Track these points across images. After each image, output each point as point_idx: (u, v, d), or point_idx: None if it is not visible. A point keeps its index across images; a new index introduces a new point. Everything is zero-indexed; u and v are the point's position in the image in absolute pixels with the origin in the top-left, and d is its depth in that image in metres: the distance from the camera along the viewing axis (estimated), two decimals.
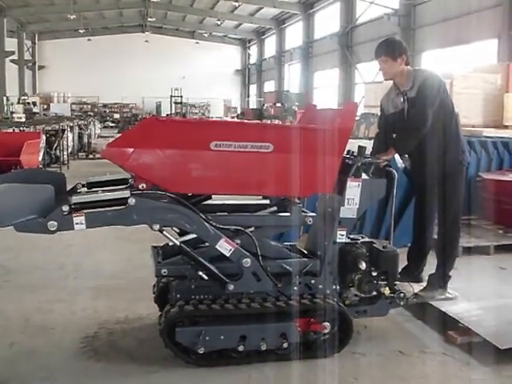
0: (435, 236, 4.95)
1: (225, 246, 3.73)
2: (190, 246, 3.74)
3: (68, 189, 3.89)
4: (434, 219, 4.92)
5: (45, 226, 3.41)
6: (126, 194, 3.57)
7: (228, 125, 3.85)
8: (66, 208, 3.46)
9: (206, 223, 3.68)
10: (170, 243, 3.82)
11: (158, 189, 3.64)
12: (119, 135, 3.72)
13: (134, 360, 3.89)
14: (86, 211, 3.51)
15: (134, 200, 3.53)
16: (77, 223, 3.47)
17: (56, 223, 3.42)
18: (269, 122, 24.40)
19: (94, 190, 3.88)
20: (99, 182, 4.00)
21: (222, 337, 3.73)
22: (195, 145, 3.63)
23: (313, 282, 4.04)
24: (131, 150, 3.54)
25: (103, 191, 3.73)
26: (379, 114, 5.12)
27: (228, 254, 3.74)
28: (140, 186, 3.66)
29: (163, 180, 3.65)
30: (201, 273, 3.75)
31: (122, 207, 3.55)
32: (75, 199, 3.54)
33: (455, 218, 4.78)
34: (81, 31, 40.70)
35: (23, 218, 3.39)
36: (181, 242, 3.70)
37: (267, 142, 3.72)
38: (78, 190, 3.85)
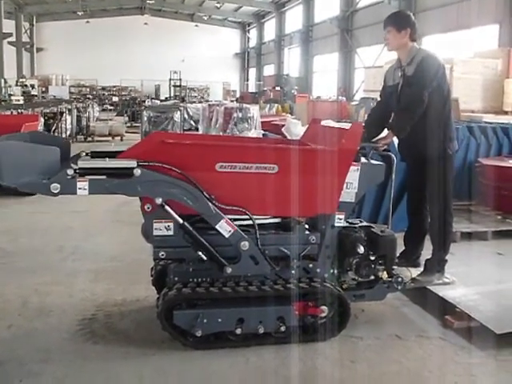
0: None
1: (225, 227, 3.73)
2: (191, 226, 3.73)
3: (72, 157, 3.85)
4: (426, 202, 4.90)
5: (48, 187, 3.40)
6: (133, 164, 3.54)
7: (233, 146, 3.85)
8: (70, 172, 3.44)
9: (209, 202, 3.68)
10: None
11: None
12: (125, 151, 3.70)
13: (132, 342, 3.90)
14: (90, 177, 3.49)
15: (139, 171, 3.52)
16: (80, 188, 3.46)
17: (59, 186, 3.41)
18: (268, 106, 24.29)
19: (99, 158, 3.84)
20: (103, 152, 3.95)
21: (219, 320, 3.74)
22: (201, 166, 3.67)
23: (311, 265, 4.04)
24: None
25: (109, 159, 3.68)
26: (382, 84, 5.10)
27: (227, 236, 3.74)
28: (146, 208, 3.70)
29: (170, 201, 3.66)
30: (200, 253, 3.74)
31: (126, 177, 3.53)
32: (81, 164, 3.51)
33: (445, 203, 4.71)
34: (79, 13, 40.52)
35: (27, 177, 3.38)
36: (184, 220, 3.69)
37: (272, 163, 3.76)
38: (82, 158, 3.81)
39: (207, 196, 3.67)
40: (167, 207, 3.62)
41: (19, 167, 3.38)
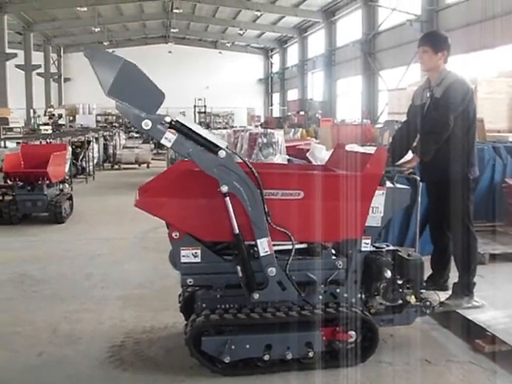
0: None
1: (264, 245, 3.72)
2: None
3: None
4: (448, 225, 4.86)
5: (140, 120, 3.44)
6: (224, 144, 3.59)
7: (259, 173, 3.86)
8: (168, 119, 3.50)
9: (264, 215, 3.69)
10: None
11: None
12: (150, 181, 3.80)
13: (161, 369, 3.93)
14: (180, 134, 3.51)
15: (224, 153, 3.54)
16: (166, 138, 3.49)
17: (151, 125, 3.45)
18: (292, 131, 24.34)
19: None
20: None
21: (247, 346, 3.74)
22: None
23: (338, 290, 4.04)
24: (164, 199, 3.65)
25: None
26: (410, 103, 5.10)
27: (262, 254, 3.72)
28: (173, 235, 3.74)
29: (197, 229, 3.74)
30: (239, 268, 3.73)
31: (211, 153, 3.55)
32: (179, 118, 3.56)
33: (467, 227, 4.69)
34: (105, 43, 41.23)
35: (129, 102, 3.47)
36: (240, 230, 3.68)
37: (297, 189, 3.79)
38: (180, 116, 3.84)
39: (266, 209, 3.69)
40: (227, 200, 3.60)
41: (128, 89, 3.44)
